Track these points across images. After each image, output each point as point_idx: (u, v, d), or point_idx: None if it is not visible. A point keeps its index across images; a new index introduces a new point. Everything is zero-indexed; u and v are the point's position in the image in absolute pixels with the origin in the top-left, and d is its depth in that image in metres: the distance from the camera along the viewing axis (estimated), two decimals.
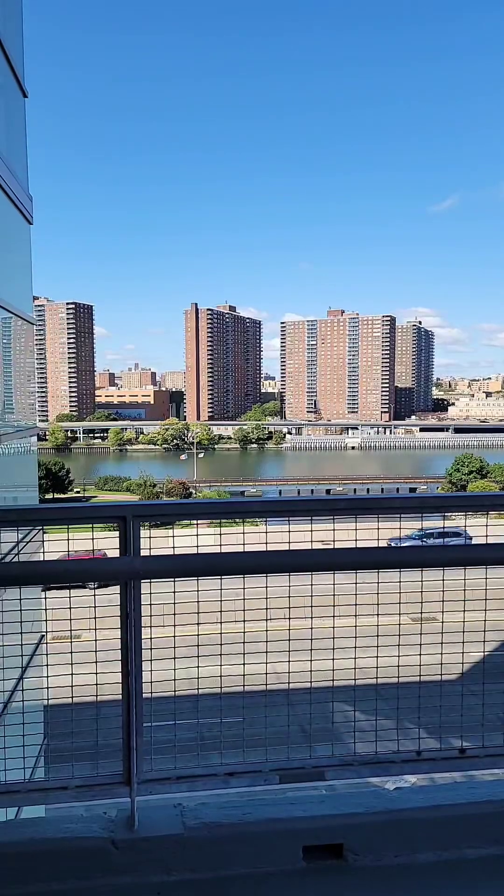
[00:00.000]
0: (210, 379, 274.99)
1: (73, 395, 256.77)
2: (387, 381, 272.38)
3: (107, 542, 3.06)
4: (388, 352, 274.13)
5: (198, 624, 3.27)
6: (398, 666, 3.36)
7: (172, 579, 3.00)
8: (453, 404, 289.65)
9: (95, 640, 2.99)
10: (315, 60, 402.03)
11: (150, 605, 3.05)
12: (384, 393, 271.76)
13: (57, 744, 3.34)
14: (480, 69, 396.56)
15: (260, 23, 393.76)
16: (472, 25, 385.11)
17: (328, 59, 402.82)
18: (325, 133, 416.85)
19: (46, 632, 3.43)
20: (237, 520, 3.36)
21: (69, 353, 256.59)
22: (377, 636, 3.30)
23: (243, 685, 3.24)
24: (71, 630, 3.08)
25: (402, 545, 3.04)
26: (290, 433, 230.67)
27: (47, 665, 3.24)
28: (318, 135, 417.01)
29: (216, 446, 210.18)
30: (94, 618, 3.10)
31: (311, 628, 3.20)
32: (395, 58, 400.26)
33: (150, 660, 3.04)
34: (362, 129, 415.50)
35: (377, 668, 3.38)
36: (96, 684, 3.04)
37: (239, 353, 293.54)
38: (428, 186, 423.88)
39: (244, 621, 3.29)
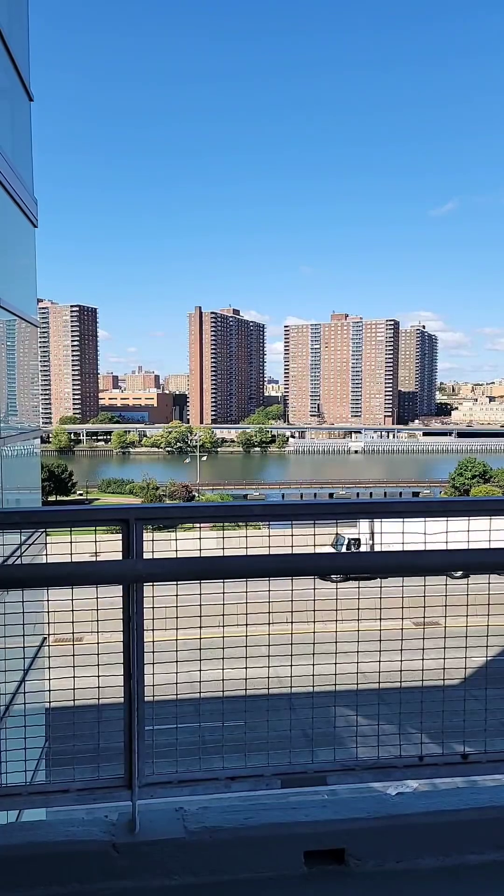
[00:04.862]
0: (213, 382, 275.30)
1: (76, 397, 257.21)
2: (390, 385, 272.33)
3: (109, 545, 3.06)
4: (391, 356, 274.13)
5: (200, 627, 3.27)
6: (400, 670, 3.35)
7: (175, 582, 3.00)
8: (456, 408, 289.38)
9: (97, 643, 2.99)
10: (316, 64, 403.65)
11: (153, 608, 3.05)
12: (387, 397, 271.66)
13: (58, 747, 3.34)
14: (481, 72, 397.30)
15: (260, 26, 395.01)
16: (473, 29, 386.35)
17: (329, 63, 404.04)
18: (326, 137, 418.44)
19: (49, 634, 3.43)
20: (239, 523, 3.35)
21: (73, 355, 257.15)
22: (379, 640, 3.29)
23: (245, 689, 3.23)
24: (73, 633, 3.08)
25: (403, 549, 3.04)
26: (293, 437, 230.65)
27: (49, 668, 3.24)
28: (319, 138, 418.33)
29: (219, 449, 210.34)
30: (97, 620, 3.10)
31: (314, 632, 3.19)
32: (396, 61, 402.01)
33: (152, 663, 3.03)
34: (362, 132, 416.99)
35: (379, 672, 3.37)
36: (98, 687, 3.04)
37: (242, 357, 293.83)
38: (428, 190, 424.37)
39: (246, 625, 3.29)
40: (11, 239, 11.61)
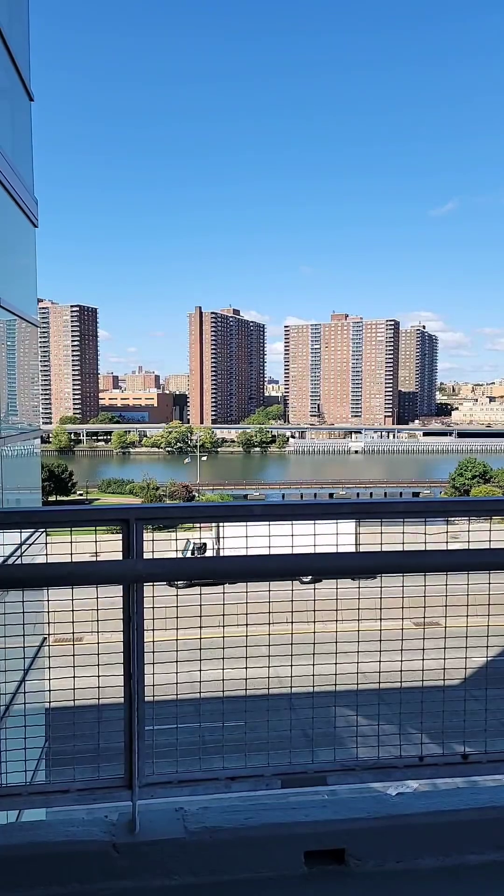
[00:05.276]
0: (213, 382, 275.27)
1: (76, 397, 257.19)
2: (390, 385, 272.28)
3: (110, 545, 3.06)
4: (391, 356, 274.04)
5: (200, 627, 3.27)
6: (401, 671, 3.35)
7: (175, 582, 2.99)
8: (457, 409, 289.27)
9: (98, 643, 2.99)
10: (316, 64, 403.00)
11: (153, 608, 3.05)
12: (387, 397, 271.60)
13: (58, 747, 3.34)
14: (481, 72, 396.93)
15: (261, 26, 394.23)
16: (473, 29, 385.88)
17: (329, 63, 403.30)
18: (326, 137, 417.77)
19: (49, 634, 3.43)
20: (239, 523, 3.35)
21: (73, 355, 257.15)
22: (380, 640, 3.29)
23: (245, 689, 3.23)
24: (73, 633, 3.08)
25: (404, 550, 3.04)
26: (293, 437, 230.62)
27: (49, 668, 3.24)
28: (319, 138, 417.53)
29: (219, 449, 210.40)
30: (97, 620, 3.10)
31: (314, 632, 3.19)
32: (396, 61, 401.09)
33: (153, 663, 3.03)
34: (362, 132, 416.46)
35: (380, 672, 3.37)
36: (98, 687, 3.04)
37: (242, 357, 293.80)
38: (428, 190, 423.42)
39: (246, 625, 3.29)
40: (11, 239, 11.61)
